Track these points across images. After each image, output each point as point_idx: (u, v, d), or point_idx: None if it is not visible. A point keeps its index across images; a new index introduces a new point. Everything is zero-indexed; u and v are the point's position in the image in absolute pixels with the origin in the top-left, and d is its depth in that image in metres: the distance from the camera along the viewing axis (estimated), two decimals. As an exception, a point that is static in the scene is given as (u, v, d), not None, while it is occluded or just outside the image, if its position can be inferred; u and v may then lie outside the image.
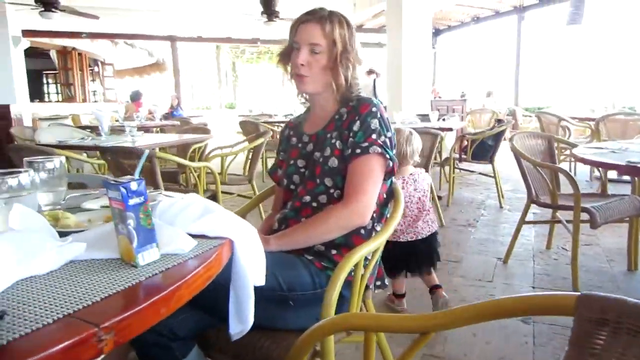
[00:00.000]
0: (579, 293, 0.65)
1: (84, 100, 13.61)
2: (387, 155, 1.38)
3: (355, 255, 1.25)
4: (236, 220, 0.96)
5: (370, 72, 7.80)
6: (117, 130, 4.78)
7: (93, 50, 13.71)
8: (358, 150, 1.37)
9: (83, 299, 0.65)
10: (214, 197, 3.28)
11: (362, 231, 1.42)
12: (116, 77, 17.08)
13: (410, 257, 2.38)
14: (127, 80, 20.06)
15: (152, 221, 0.78)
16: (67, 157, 3.40)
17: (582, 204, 2.58)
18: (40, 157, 1.11)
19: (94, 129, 5.49)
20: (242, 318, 1.00)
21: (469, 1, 10.49)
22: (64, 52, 12.94)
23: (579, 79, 12.65)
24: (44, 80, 15.22)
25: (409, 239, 2.38)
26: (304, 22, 1.44)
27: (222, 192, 3.52)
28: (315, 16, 1.43)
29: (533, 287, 2.78)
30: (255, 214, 3.29)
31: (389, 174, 1.43)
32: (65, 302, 0.64)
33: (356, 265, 1.27)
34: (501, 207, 4.66)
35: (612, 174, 4.41)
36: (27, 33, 8.28)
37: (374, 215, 1.44)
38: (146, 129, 5.83)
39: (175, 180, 4.07)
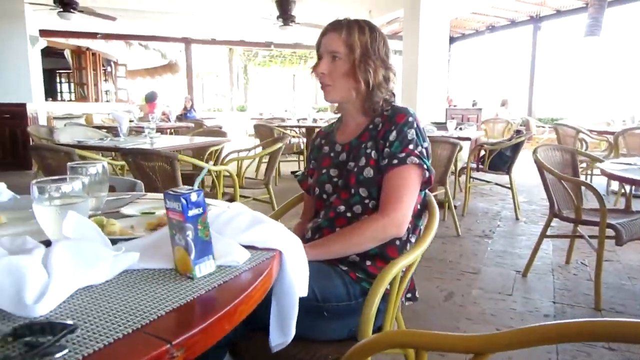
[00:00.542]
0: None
1: (97, 100, 13.70)
2: (425, 166, 1.37)
3: (395, 268, 1.23)
4: (284, 231, 0.95)
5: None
6: (134, 131, 4.79)
7: (107, 51, 13.82)
8: (395, 161, 1.35)
9: (147, 312, 0.63)
10: (231, 201, 3.27)
11: (397, 242, 1.41)
12: (128, 78, 17.21)
13: None
14: (138, 81, 20.20)
15: (210, 233, 0.77)
16: (85, 157, 3.41)
17: (607, 220, 2.54)
18: (82, 161, 1.10)
19: (109, 129, 5.52)
20: (284, 330, 0.99)
21: (485, 10, 10.47)
22: (78, 52, 13.05)
23: (595, 91, 12.57)
24: (57, 79, 15.34)
25: None
26: (325, 34, 1.47)
27: (239, 196, 3.51)
28: (334, 25, 1.45)
29: (554, 302, 2.74)
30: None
31: (425, 184, 1.42)
32: (130, 315, 0.63)
33: (394, 278, 1.25)
34: (517, 218, 4.62)
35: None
36: (43, 33, 8.35)
37: (409, 226, 1.43)
38: (161, 131, 5.85)
39: (191, 182, 4.07)
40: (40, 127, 6.53)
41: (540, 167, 2.87)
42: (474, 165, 4.83)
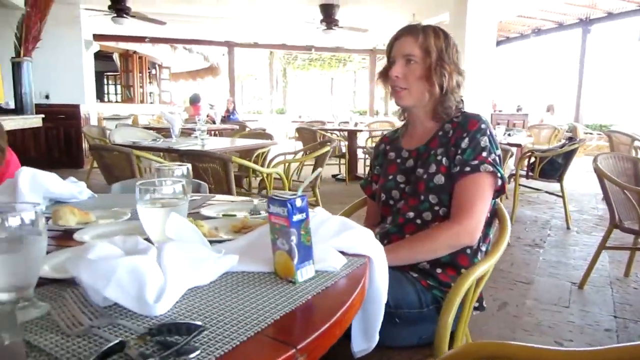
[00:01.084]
0: None
1: (142, 102, 14.13)
2: (499, 174, 1.34)
3: (469, 279, 1.22)
4: (372, 237, 0.95)
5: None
6: (183, 133, 4.91)
7: (153, 54, 14.25)
8: (467, 169, 1.33)
9: (263, 315, 0.65)
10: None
11: (468, 251, 1.39)
12: (171, 80, 17.70)
13: None
14: (181, 83, 20.72)
15: (311, 238, 0.78)
16: (137, 157, 3.51)
17: (676, 232, 2.42)
18: (167, 164, 1.14)
19: (158, 130, 5.67)
20: (368, 336, 0.99)
21: (532, 13, 10.20)
22: (126, 55, 13.51)
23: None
24: (106, 82, 15.90)
25: None
26: (398, 38, 1.46)
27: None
28: (409, 29, 1.44)
29: (615, 317, 2.63)
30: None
31: (497, 192, 1.39)
32: (247, 317, 0.64)
33: (469, 287, 1.23)
34: (568, 228, 4.47)
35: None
36: (96, 37, 8.69)
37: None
38: (206, 132, 5.97)
39: (239, 184, 4.14)
40: (93, 128, 6.80)
41: (601, 176, 2.77)
42: (523, 172, 4.71)
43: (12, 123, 4.36)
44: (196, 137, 4.19)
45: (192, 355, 0.53)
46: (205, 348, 0.55)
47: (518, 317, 2.61)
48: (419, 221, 1.41)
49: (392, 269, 1.34)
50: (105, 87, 16.26)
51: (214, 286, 0.76)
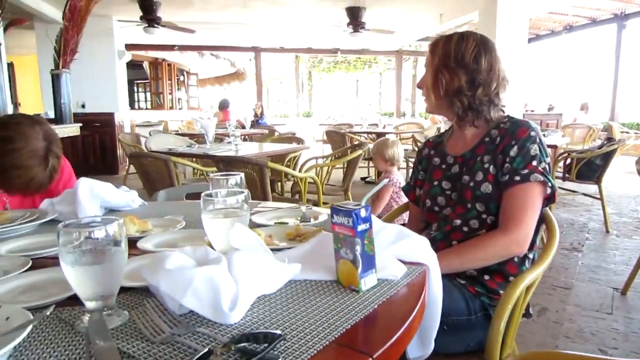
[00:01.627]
0: None
1: (171, 108, 14.41)
2: (549, 184, 1.32)
3: (521, 285, 1.21)
4: (428, 245, 0.96)
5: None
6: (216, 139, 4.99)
7: (181, 61, 14.53)
8: (517, 178, 1.31)
9: (334, 324, 0.66)
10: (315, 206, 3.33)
11: (516, 259, 1.38)
12: (199, 86, 18.01)
13: None
14: (208, 89, 21.04)
15: (374, 247, 0.79)
16: (174, 163, 3.59)
17: None
18: (221, 173, 1.17)
19: (191, 136, 5.79)
20: (424, 343, 0.99)
21: (564, 9, 9.97)
22: (155, 63, 13.82)
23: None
24: (136, 89, 16.28)
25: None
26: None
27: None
28: (431, 42, 1.49)
29: (662, 323, 2.55)
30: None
31: (547, 200, 1.37)
32: (319, 326, 0.66)
33: (519, 295, 1.23)
34: (607, 231, 4.35)
35: None
36: (127, 47, 8.93)
37: None
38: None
39: (272, 188, 4.19)
40: (127, 135, 6.99)
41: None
42: (559, 174, 4.61)
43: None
44: (229, 142, 4.26)
45: (274, 363, 0.55)
46: (285, 357, 0.58)
47: (559, 323, 2.56)
48: (465, 229, 1.40)
49: (439, 275, 1.36)
50: (136, 94, 16.65)
51: (280, 294, 0.78)
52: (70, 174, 1.72)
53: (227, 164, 3.15)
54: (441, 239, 1.44)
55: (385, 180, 1.00)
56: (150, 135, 6.38)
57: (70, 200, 1.36)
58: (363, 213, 0.77)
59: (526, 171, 1.31)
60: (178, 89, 15.72)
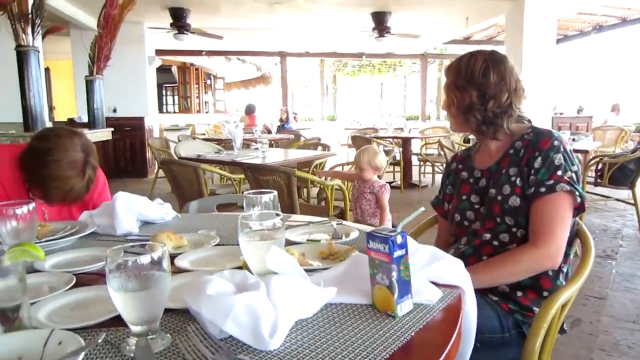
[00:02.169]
0: None
1: (199, 112, 14.64)
2: (577, 193, 1.30)
3: (557, 303, 1.20)
4: (462, 267, 0.95)
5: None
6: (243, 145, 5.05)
7: (208, 66, 14.75)
8: (543, 189, 1.30)
9: (373, 352, 0.67)
10: (342, 214, 3.33)
11: (550, 273, 1.36)
12: (225, 90, 18.25)
13: None
14: (233, 92, 21.26)
15: (410, 273, 0.80)
16: (203, 170, 3.65)
17: None
18: (254, 191, 1.19)
19: (218, 142, 5.87)
20: (459, 365, 0.99)
21: (593, 9, 9.72)
22: (183, 68, 14.07)
23: None
24: (164, 93, 16.60)
25: None
26: None
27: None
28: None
29: (703, 337, 2.47)
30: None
31: (577, 210, 1.34)
32: (358, 353, 0.67)
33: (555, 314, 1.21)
34: (643, 238, 4.23)
35: None
36: (157, 52, 9.14)
37: None
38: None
39: (298, 194, 4.21)
40: (156, 139, 7.14)
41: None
42: (591, 179, 4.50)
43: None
44: (256, 148, 4.30)
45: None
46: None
47: (594, 336, 2.50)
48: (495, 243, 1.39)
49: (471, 291, 1.35)
50: (164, 98, 16.97)
51: (317, 318, 0.79)
52: (104, 184, 1.77)
53: (255, 171, 3.18)
54: (471, 253, 1.43)
55: (422, 209, 1.01)
56: (178, 140, 6.50)
57: (108, 214, 1.41)
58: (399, 240, 0.77)
59: (551, 182, 1.29)
60: (205, 93, 15.96)
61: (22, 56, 4.24)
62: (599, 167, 4.46)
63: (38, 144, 1.53)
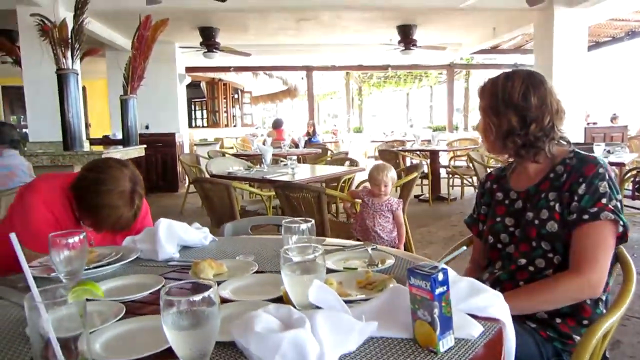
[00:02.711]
0: None
1: (227, 126, 14.90)
2: (621, 222, 1.28)
3: (599, 333, 1.19)
4: (502, 300, 0.96)
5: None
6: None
7: (236, 81, 15.03)
8: (586, 217, 1.28)
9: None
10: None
11: (589, 301, 1.34)
12: (252, 103, 18.53)
13: None
14: (260, 106, 21.54)
15: (451, 309, 0.81)
16: (234, 187, 3.72)
17: None
18: (291, 219, 1.23)
19: (248, 158, 5.96)
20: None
21: (625, 15, 9.50)
22: (212, 83, 14.37)
23: None
24: (193, 108, 16.96)
25: None
26: None
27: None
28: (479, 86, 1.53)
29: None
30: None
31: (619, 239, 1.32)
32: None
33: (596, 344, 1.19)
34: (685, 254, 4.08)
35: None
36: (187, 69, 9.38)
37: None
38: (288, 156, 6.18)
39: (327, 209, 4.24)
40: (187, 155, 7.30)
41: None
42: (628, 192, 4.38)
43: (119, 154, 4.82)
44: (285, 164, 4.36)
45: None
46: None
47: (635, 358, 2.43)
48: (531, 268, 1.38)
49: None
50: (193, 112, 17.34)
51: (359, 353, 0.81)
52: (146, 210, 1.83)
53: (286, 189, 3.23)
54: (506, 279, 1.42)
55: (464, 248, 1.02)
56: (209, 155, 6.63)
57: (150, 239, 1.47)
58: (440, 277, 0.79)
59: (595, 209, 1.28)
60: (232, 107, 16.24)
61: (62, 79, 4.44)
62: (637, 179, 4.34)
63: (90, 174, 1.61)
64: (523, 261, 1.39)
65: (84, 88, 10.53)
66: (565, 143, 1.44)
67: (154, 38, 4.97)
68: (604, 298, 1.38)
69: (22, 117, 12.48)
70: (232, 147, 11.42)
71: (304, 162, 6.50)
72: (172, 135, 8.28)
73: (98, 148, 5.36)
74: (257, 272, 1.28)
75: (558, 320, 1.33)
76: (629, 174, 4.33)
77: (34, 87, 5.50)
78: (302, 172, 4.04)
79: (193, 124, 16.07)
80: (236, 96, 16.51)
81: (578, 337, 1.31)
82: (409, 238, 3.46)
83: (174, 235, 1.48)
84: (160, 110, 8.16)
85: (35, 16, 4.36)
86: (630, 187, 4.38)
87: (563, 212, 1.33)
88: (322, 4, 6.28)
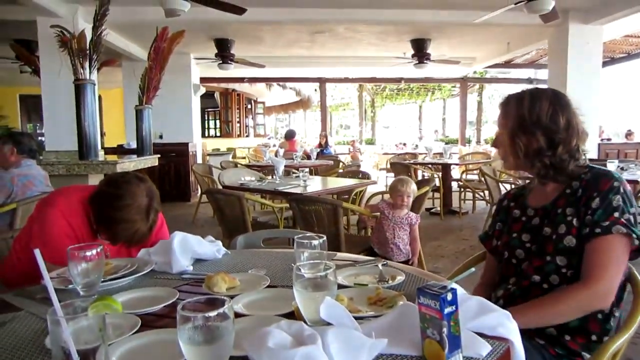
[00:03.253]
0: None
1: (239, 136, 15.03)
2: (634, 235, 1.28)
3: (609, 352, 1.19)
4: (511, 319, 0.96)
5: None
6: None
7: (250, 91, 15.19)
8: (598, 230, 1.29)
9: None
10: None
11: (599, 316, 1.33)
12: (265, 114, 18.70)
13: None
14: (273, 116, 21.71)
15: (460, 328, 0.82)
16: (246, 198, 3.75)
17: None
18: (303, 234, 1.25)
19: (260, 169, 6.01)
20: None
21: (641, 31, 9.45)
22: (225, 93, 14.55)
23: None
24: (206, 117, 17.15)
25: None
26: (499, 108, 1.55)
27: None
28: (504, 99, 1.53)
29: None
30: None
31: (634, 252, 1.32)
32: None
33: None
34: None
35: None
36: (201, 80, 9.51)
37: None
38: (300, 168, 6.21)
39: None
40: (199, 165, 7.38)
41: None
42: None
43: (133, 164, 4.90)
44: (297, 176, 4.39)
45: None
46: None
47: (647, 379, 2.39)
48: (545, 285, 1.38)
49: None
50: (206, 122, 17.52)
51: (370, 371, 0.82)
52: (162, 223, 1.87)
53: (300, 201, 3.25)
54: (519, 295, 1.42)
55: (472, 269, 1.03)
56: (221, 166, 6.69)
57: (165, 252, 1.50)
58: (449, 297, 0.80)
59: (607, 223, 1.29)
60: (246, 117, 16.40)
61: (79, 89, 4.54)
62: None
63: (108, 189, 1.65)
64: (537, 278, 1.39)
65: (99, 97, 10.72)
66: (584, 161, 1.45)
67: (171, 49, 5.05)
68: (617, 314, 1.38)
69: (38, 125, 12.76)
70: (244, 158, 11.52)
71: (315, 174, 6.54)
72: (186, 145, 8.37)
73: (112, 157, 5.44)
74: (269, 286, 1.30)
75: (567, 337, 1.33)
76: (643, 192, 4.28)
77: (51, 97, 5.62)
78: (314, 185, 4.07)
79: (206, 134, 16.25)
80: (249, 106, 16.67)
81: (587, 355, 1.31)
82: (420, 251, 3.47)
83: (187, 248, 1.51)
84: (174, 120, 8.26)
85: (55, 27, 4.47)
86: (645, 205, 4.32)
87: (580, 227, 1.34)
88: (337, 18, 6.35)
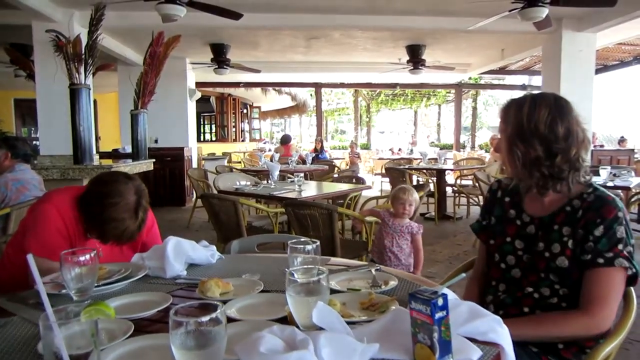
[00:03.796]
0: None
1: (235, 140, 15.03)
2: (634, 269, 1.29)
3: (599, 358, 1.20)
4: (502, 324, 0.97)
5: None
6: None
7: (245, 96, 15.20)
8: (601, 260, 1.29)
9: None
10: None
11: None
12: (261, 118, 18.73)
13: None
14: (268, 122, 21.73)
15: (450, 333, 0.83)
16: (241, 203, 3.75)
17: None
18: (297, 239, 1.25)
19: (255, 173, 6.01)
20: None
21: (634, 39, 9.55)
22: (221, 98, 14.54)
23: None
24: (202, 122, 17.13)
25: None
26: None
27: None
28: (505, 103, 1.50)
29: None
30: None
31: (630, 280, 1.33)
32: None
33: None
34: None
35: None
36: (197, 85, 9.52)
37: None
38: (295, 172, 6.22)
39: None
40: (195, 170, 7.37)
41: None
42: (634, 216, 4.37)
43: (128, 168, 4.88)
44: (292, 181, 4.39)
45: None
46: None
47: (639, 385, 2.41)
48: (536, 295, 1.39)
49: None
50: (202, 127, 17.50)
51: (361, 376, 0.83)
52: (152, 222, 1.87)
53: (296, 206, 3.26)
54: (511, 303, 1.43)
55: (463, 275, 1.03)
56: (216, 170, 6.69)
57: (158, 256, 1.50)
58: (440, 302, 0.81)
59: (611, 254, 1.28)
60: (241, 122, 16.40)
61: (74, 93, 4.52)
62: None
63: (96, 187, 1.66)
64: (530, 289, 1.40)
65: (94, 101, 10.70)
66: (587, 177, 1.40)
67: (166, 54, 5.06)
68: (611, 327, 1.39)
69: (33, 129, 12.71)
70: (239, 162, 11.52)
71: (311, 179, 6.55)
72: (181, 149, 8.36)
73: (107, 162, 5.43)
74: (262, 291, 1.31)
75: (560, 346, 1.35)
76: (634, 198, 4.32)
77: (46, 101, 5.61)
78: (309, 189, 4.08)
79: (201, 138, 16.22)
80: (245, 111, 16.68)
81: (579, 363, 1.33)
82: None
83: (181, 253, 1.51)
84: (169, 124, 8.26)
85: (50, 32, 4.47)
86: (636, 211, 4.36)
87: (575, 249, 1.33)
88: (333, 24, 6.37)
